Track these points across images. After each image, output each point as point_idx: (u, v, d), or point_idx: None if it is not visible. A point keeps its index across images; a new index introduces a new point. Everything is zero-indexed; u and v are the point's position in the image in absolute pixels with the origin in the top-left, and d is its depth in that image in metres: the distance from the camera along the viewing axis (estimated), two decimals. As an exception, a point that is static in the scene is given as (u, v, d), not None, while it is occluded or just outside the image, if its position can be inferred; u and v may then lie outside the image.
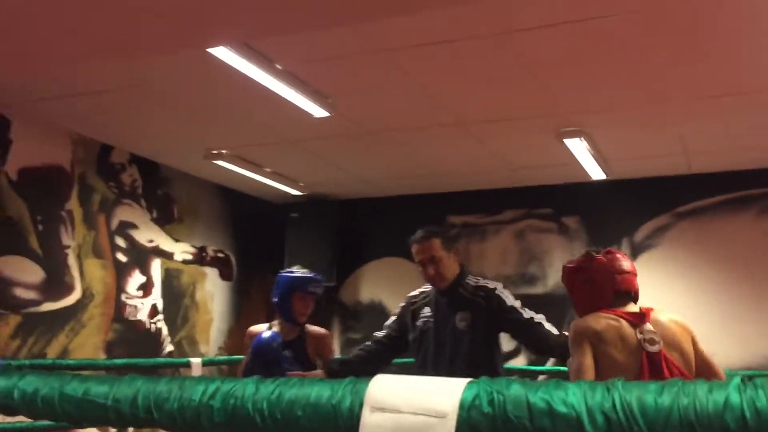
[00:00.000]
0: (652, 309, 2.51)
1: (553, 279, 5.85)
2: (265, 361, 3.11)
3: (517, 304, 3.08)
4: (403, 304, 3.28)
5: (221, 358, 5.82)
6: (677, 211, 5.53)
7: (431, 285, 3.11)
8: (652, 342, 2.36)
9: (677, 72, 3.58)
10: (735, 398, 0.60)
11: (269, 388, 0.77)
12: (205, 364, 4.75)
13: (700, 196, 5.47)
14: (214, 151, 5.17)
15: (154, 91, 4.02)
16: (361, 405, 0.72)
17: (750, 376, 0.62)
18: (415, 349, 3.09)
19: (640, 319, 2.43)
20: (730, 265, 5.29)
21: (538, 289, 5.89)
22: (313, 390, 0.76)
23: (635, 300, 2.56)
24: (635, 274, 2.57)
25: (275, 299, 3.28)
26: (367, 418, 0.71)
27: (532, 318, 3.03)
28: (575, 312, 2.62)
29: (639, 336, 2.37)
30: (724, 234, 5.36)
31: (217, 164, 5.37)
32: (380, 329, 3.36)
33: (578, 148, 4.74)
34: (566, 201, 5.89)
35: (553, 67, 3.56)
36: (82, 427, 0.95)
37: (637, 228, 5.63)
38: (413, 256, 3.12)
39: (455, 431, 0.67)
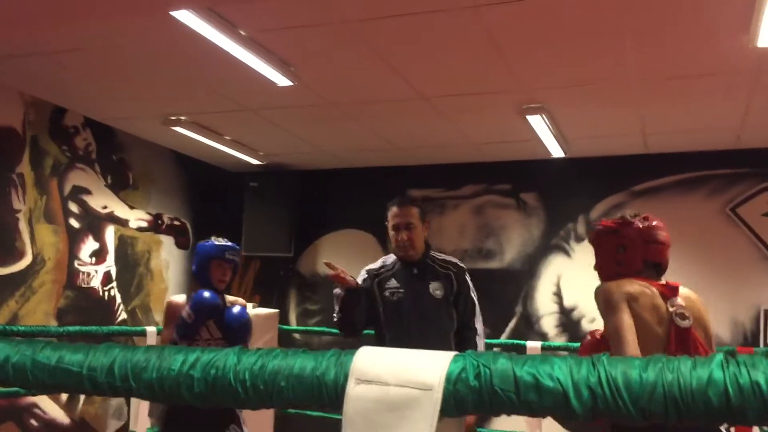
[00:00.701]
0: (679, 284, 2.46)
1: (509, 254, 5.93)
2: (210, 317, 3.18)
3: (475, 295, 3.23)
4: (363, 276, 3.26)
5: (176, 327, 5.76)
6: (633, 190, 5.64)
7: (401, 252, 3.16)
8: (683, 317, 2.31)
9: (638, 53, 3.62)
10: (718, 374, 0.62)
11: (251, 358, 0.77)
12: (160, 332, 4.70)
13: (655, 175, 5.58)
14: (173, 117, 5.06)
15: (111, 54, 3.90)
16: (346, 377, 0.72)
17: (731, 352, 0.63)
18: (390, 321, 3.12)
19: (671, 292, 2.38)
20: (683, 244, 5.42)
21: (494, 264, 5.96)
22: (297, 361, 0.75)
23: (662, 272, 2.51)
24: (668, 246, 2.52)
25: (194, 268, 3.35)
26: (352, 389, 0.71)
27: (474, 321, 3.18)
28: (598, 275, 2.57)
29: (671, 309, 2.32)
30: (676, 213, 5.48)
31: (175, 131, 5.26)
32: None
33: (539, 125, 4.78)
34: (525, 177, 5.96)
35: (517, 44, 3.57)
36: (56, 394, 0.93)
37: (594, 206, 5.72)
38: (388, 220, 3.18)
39: (441, 404, 0.68)
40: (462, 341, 3.13)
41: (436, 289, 3.10)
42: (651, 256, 2.45)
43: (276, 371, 0.75)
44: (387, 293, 3.14)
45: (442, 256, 3.24)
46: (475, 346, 3.10)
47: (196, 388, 0.77)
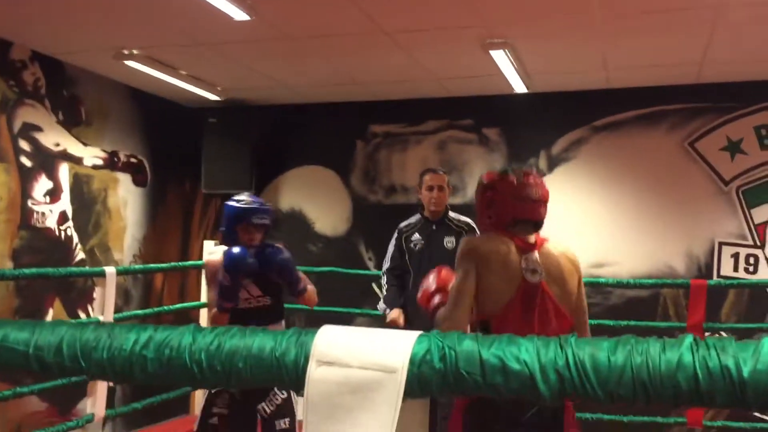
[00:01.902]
0: (546, 239, 2.49)
1: (472, 189, 5.93)
2: (246, 274, 3.09)
3: None
4: (395, 235, 4.25)
5: (137, 267, 5.70)
6: (594, 125, 5.64)
7: (432, 207, 4.10)
8: (534, 272, 2.35)
9: (605, -13, 3.56)
10: (687, 358, 0.61)
11: (207, 338, 0.73)
12: (119, 273, 4.64)
13: (616, 110, 5.59)
14: (125, 51, 4.86)
15: (57, -16, 3.70)
16: (306, 358, 0.70)
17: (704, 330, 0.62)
18: (413, 266, 4.06)
19: (529, 247, 2.41)
20: (641, 178, 5.50)
21: (457, 200, 5.96)
22: (255, 341, 0.72)
23: (537, 227, 2.52)
24: (543, 203, 2.53)
25: (222, 228, 3.24)
26: (314, 372, 0.69)
27: None
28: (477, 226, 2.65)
29: (523, 264, 2.36)
30: (637, 148, 5.53)
31: (128, 65, 5.07)
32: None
33: (502, 60, 4.72)
34: (487, 113, 5.91)
35: (483, -23, 3.47)
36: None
37: (555, 141, 5.73)
38: (424, 182, 4.16)
39: (405, 387, 0.66)
40: None
41: (448, 242, 3.98)
42: (520, 213, 2.47)
43: (233, 351, 0.72)
44: (411, 245, 4.12)
45: (458, 217, 4.14)
46: None
47: (150, 369, 0.74)
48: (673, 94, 5.43)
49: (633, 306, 5.37)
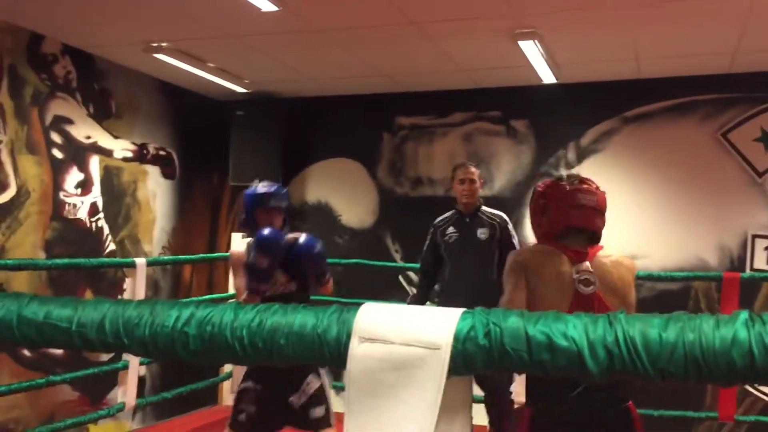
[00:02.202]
0: (600, 248, 2.40)
1: (499, 182, 5.90)
2: (282, 253, 3.08)
3: (517, 242, 4.20)
4: (430, 230, 4.39)
5: (166, 258, 5.75)
6: (624, 116, 5.57)
7: (464, 199, 4.22)
8: (587, 283, 2.28)
9: (637, -25, 3.51)
10: (743, 334, 0.59)
11: (249, 315, 0.73)
12: (149, 264, 4.69)
13: (647, 100, 5.51)
14: (154, 44, 4.90)
15: (88, -23, 3.74)
16: (348, 335, 0.69)
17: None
18: (449, 257, 4.23)
19: (580, 257, 2.33)
20: (673, 170, 5.42)
21: (484, 192, 5.93)
22: (297, 317, 0.72)
23: (593, 238, 2.43)
24: (599, 211, 2.42)
25: (242, 216, 3.29)
26: (356, 348, 0.68)
27: None
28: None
29: (575, 275, 2.29)
30: (668, 139, 5.45)
31: (158, 58, 5.11)
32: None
33: (531, 50, 4.68)
34: (515, 104, 5.87)
35: (512, -34, 3.44)
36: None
37: (584, 132, 5.67)
38: (456, 176, 4.28)
39: (449, 364, 0.65)
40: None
41: (482, 233, 4.14)
42: (574, 221, 2.37)
43: (275, 328, 0.71)
44: (446, 237, 4.25)
45: (491, 211, 4.27)
46: None
47: (192, 345, 0.74)
48: (706, 83, 5.34)
49: (664, 299, 5.30)
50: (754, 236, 5.23)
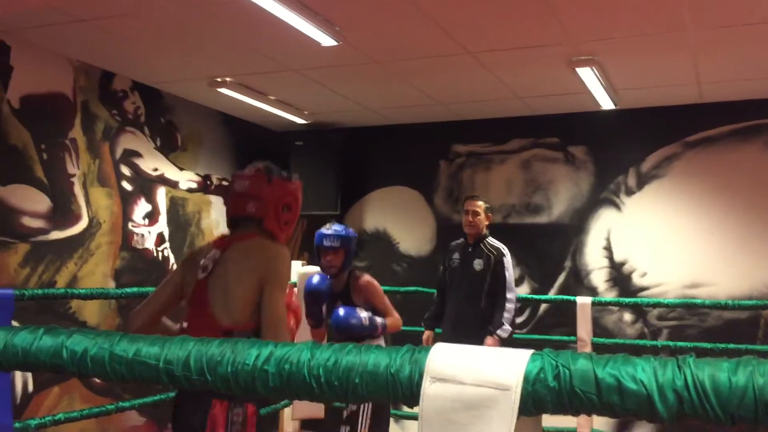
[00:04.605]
0: (250, 235, 2.41)
1: (557, 209, 5.86)
2: (314, 301, 3.57)
3: (509, 274, 4.40)
4: (445, 251, 4.74)
5: (228, 285, 5.87)
6: (685, 141, 5.48)
7: (466, 229, 4.52)
8: (204, 269, 2.36)
9: (693, 0, 3.48)
10: (813, 380, 0.60)
11: (325, 354, 0.77)
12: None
13: (709, 125, 5.41)
14: (218, 79, 5.07)
15: (155, 17, 3.91)
16: (420, 374, 0.72)
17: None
18: (451, 281, 4.56)
19: (216, 244, 2.44)
20: (737, 195, 5.29)
21: (542, 219, 5.90)
22: (370, 357, 0.76)
23: (238, 223, 2.49)
24: (248, 195, 2.47)
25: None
26: (428, 388, 0.71)
27: (505, 292, 4.34)
28: None
29: (202, 262, 2.39)
30: (731, 163, 5.33)
31: (221, 92, 5.28)
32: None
33: (589, 77, 4.66)
34: (573, 130, 5.84)
35: (569, -5, 3.46)
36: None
37: (645, 158, 5.59)
38: (464, 206, 4.59)
39: (519, 404, 0.67)
40: (496, 304, 4.34)
41: (477, 264, 4.42)
42: (228, 210, 2.54)
43: (350, 368, 0.75)
44: (451, 262, 4.58)
45: (492, 242, 4.49)
46: (502, 308, 4.29)
47: (271, 383, 0.78)
48: (769, 107, 5.22)
49: (731, 328, 5.15)
50: (826, 263, 5.05)
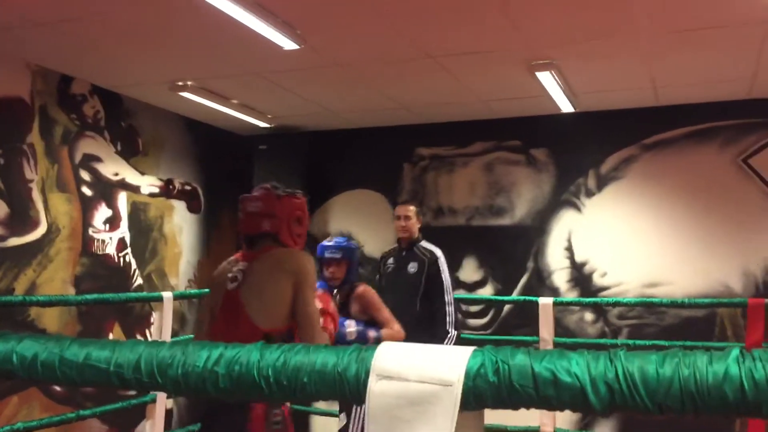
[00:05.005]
0: (272, 248, 2.57)
1: (520, 211, 5.93)
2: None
3: (446, 276, 4.42)
4: (379, 259, 4.80)
5: (192, 291, 5.83)
6: (643, 143, 5.60)
7: (398, 233, 4.57)
8: (233, 280, 2.50)
9: (649, 5, 3.56)
10: (734, 370, 0.63)
11: (274, 354, 0.78)
12: (176, 297, 4.76)
13: (666, 127, 5.53)
14: (179, 83, 5.04)
15: (115, 21, 3.87)
16: (367, 373, 0.74)
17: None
18: (386, 285, 4.55)
19: (242, 257, 2.58)
20: (694, 196, 5.42)
21: (506, 221, 5.97)
22: (319, 357, 0.77)
23: (252, 241, 2.63)
24: (250, 214, 2.63)
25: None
26: (374, 385, 0.73)
27: (443, 295, 4.36)
28: None
29: (230, 275, 2.52)
30: (688, 165, 5.46)
31: (183, 96, 5.24)
32: None
33: (549, 81, 4.74)
34: (535, 133, 5.92)
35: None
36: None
37: (604, 160, 5.69)
38: (395, 212, 4.62)
39: (461, 399, 0.70)
40: (432, 307, 4.35)
41: (412, 267, 4.46)
42: (241, 228, 2.67)
43: (298, 367, 0.77)
44: (385, 267, 4.64)
45: (426, 246, 4.53)
46: (444, 317, 4.30)
47: (221, 384, 0.79)
48: (725, 109, 5.35)
49: (689, 326, 5.27)
50: (779, 261, 5.19)
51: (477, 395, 0.70)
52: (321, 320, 2.57)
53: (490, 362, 0.71)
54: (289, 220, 2.65)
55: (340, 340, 3.37)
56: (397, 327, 3.57)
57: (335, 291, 3.63)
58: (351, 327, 3.42)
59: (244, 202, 2.69)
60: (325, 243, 3.67)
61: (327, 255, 3.60)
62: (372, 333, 3.46)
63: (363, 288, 3.65)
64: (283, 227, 2.62)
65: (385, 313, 3.60)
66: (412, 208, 4.58)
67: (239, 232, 2.71)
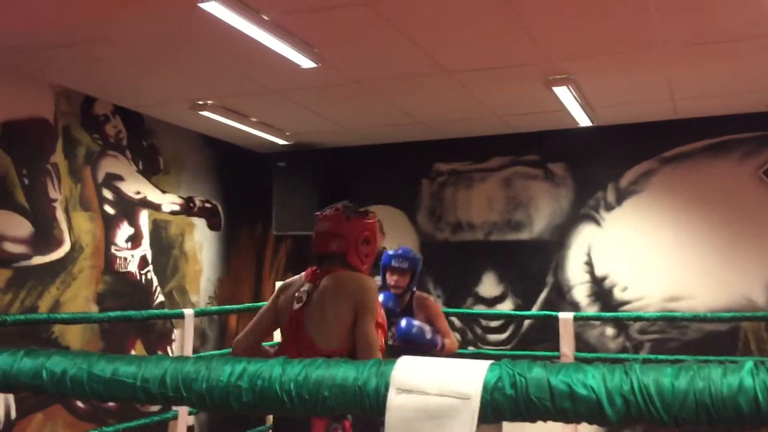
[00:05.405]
0: (337, 269, 2.61)
1: (538, 225, 5.92)
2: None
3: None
4: None
5: (213, 308, 5.88)
6: (662, 156, 5.58)
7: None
8: (299, 300, 2.55)
9: (664, 18, 3.56)
10: (748, 382, 0.64)
11: (296, 369, 0.80)
12: (197, 314, 4.80)
13: (685, 140, 5.51)
14: (200, 102, 5.11)
15: (138, 43, 3.95)
16: (386, 386, 0.75)
17: (762, 361, 0.66)
18: None
19: (308, 277, 2.63)
20: (714, 209, 5.38)
21: (524, 235, 5.96)
22: (339, 371, 0.79)
23: (321, 259, 2.68)
24: (320, 234, 2.69)
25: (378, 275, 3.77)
26: (393, 399, 0.74)
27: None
28: None
29: (296, 294, 2.58)
30: (707, 178, 5.42)
31: (203, 115, 5.32)
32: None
33: (566, 95, 4.74)
34: (553, 147, 5.92)
35: (540, 14, 3.53)
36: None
37: (623, 173, 5.68)
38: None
39: (479, 412, 0.71)
40: None
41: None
42: (313, 247, 2.73)
43: (319, 381, 0.78)
44: None
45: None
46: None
47: (245, 398, 0.81)
48: (744, 121, 5.32)
49: (712, 340, 5.21)
50: (803, 274, 5.13)
51: (495, 408, 0.72)
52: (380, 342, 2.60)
53: (507, 375, 0.72)
54: (357, 241, 2.69)
55: (407, 334, 3.50)
56: (453, 339, 3.75)
57: (396, 297, 3.72)
58: (426, 326, 3.58)
59: (316, 221, 2.79)
60: (392, 252, 3.77)
61: (394, 264, 3.70)
62: (439, 339, 3.62)
63: (432, 299, 3.85)
64: (350, 248, 2.66)
65: (446, 323, 3.76)
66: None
67: (312, 250, 2.79)
